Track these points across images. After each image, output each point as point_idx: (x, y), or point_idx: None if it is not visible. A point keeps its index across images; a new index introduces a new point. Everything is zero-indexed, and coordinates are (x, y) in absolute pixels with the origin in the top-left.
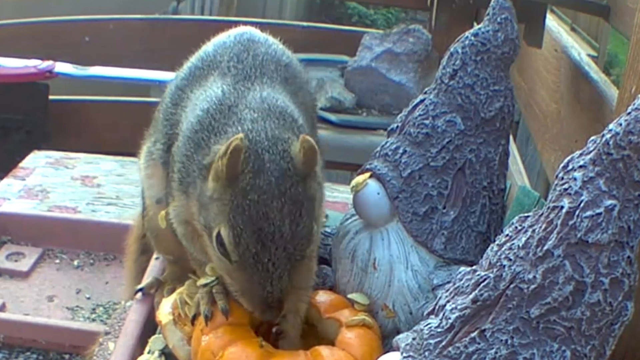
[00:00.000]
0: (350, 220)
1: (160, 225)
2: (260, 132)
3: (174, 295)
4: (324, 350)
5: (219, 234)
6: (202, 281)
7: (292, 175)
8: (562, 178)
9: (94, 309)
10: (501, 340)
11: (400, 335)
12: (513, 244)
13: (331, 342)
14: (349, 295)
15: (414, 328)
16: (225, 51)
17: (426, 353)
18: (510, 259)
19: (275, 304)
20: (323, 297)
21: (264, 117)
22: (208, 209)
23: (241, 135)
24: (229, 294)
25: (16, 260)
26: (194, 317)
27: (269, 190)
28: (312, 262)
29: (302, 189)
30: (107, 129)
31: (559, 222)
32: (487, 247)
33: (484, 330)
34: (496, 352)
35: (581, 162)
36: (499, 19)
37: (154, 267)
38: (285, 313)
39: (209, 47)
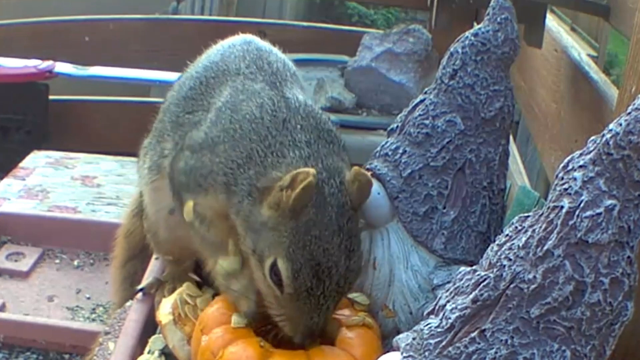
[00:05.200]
0: None
1: (185, 218)
2: (317, 161)
3: (174, 295)
4: (323, 349)
5: (274, 265)
6: (222, 263)
7: (348, 209)
8: (562, 178)
9: (94, 309)
10: (501, 340)
11: (400, 335)
12: (513, 244)
13: (331, 342)
14: (349, 295)
15: (414, 328)
16: (237, 59)
17: (426, 353)
18: (510, 259)
19: (318, 332)
20: None
21: (316, 139)
22: (260, 234)
23: (314, 171)
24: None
25: (16, 260)
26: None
27: (330, 226)
28: None
29: (355, 222)
30: (107, 129)
31: (559, 222)
32: (487, 247)
33: (484, 330)
34: (496, 352)
35: (581, 162)
36: (499, 19)
37: (154, 267)
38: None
39: (214, 57)
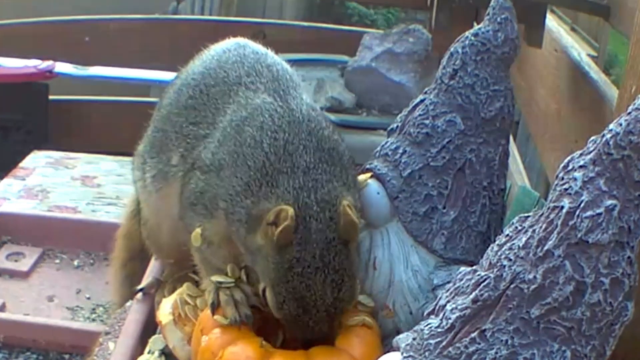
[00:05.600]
0: None
1: (193, 244)
2: (310, 192)
3: (174, 295)
4: (323, 349)
5: (264, 290)
6: (216, 278)
7: (335, 244)
8: (562, 178)
9: (94, 309)
10: (501, 340)
11: (401, 335)
12: (513, 244)
13: (331, 342)
14: None
15: (414, 328)
16: (236, 65)
17: (426, 353)
18: (511, 259)
19: (317, 339)
20: None
21: (316, 163)
22: (256, 258)
23: (292, 212)
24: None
25: (16, 260)
26: (213, 305)
27: (313, 263)
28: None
29: (344, 255)
30: (107, 129)
31: (559, 222)
32: (487, 247)
33: (484, 330)
34: (496, 352)
35: (581, 162)
36: (499, 19)
37: (154, 267)
38: None
39: (209, 63)
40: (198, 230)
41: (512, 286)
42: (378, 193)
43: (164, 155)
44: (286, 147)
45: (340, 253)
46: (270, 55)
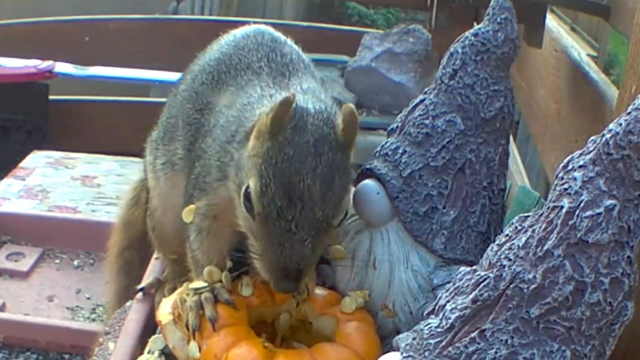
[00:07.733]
0: (350, 220)
1: (184, 220)
2: (308, 102)
3: (174, 295)
4: (326, 347)
5: (247, 187)
6: (194, 284)
7: (331, 140)
8: (562, 178)
9: (94, 309)
10: (501, 340)
11: (400, 335)
12: (513, 244)
13: (326, 339)
14: (349, 293)
15: (414, 328)
16: (250, 53)
17: (426, 353)
18: (510, 259)
19: (293, 274)
20: (317, 291)
21: (306, 100)
22: (243, 167)
23: (293, 92)
24: (217, 300)
25: (16, 260)
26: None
27: (306, 148)
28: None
29: (339, 157)
30: (107, 129)
31: (559, 222)
32: (487, 247)
33: (484, 330)
34: (496, 352)
35: (581, 162)
36: (499, 19)
37: (154, 267)
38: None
39: (227, 48)
40: (192, 206)
41: (511, 286)
42: (378, 193)
43: (172, 145)
44: (273, 96)
45: (336, 150)
46: (289, 44)
